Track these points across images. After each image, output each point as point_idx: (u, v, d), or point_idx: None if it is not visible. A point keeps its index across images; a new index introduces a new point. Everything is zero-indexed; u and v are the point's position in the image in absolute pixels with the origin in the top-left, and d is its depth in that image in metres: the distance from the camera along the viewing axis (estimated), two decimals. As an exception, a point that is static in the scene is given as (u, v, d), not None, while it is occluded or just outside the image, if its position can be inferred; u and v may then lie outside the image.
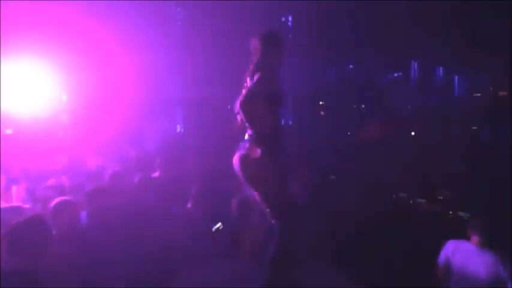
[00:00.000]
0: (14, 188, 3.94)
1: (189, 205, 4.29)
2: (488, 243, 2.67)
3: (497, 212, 3.85)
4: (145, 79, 8.94)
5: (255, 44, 2.69)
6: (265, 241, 2.99)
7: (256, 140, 2.48)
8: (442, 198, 5.82)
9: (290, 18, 13.75)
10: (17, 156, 5.53)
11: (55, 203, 2.79)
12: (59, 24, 8.28)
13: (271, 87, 2.53)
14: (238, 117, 2.64)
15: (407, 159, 7.66)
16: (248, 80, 2.68)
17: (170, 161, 5.31)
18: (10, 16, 6.92)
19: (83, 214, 3.29)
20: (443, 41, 8.69)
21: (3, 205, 3.12)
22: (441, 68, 11.36)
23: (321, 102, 12.30)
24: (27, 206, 3.11)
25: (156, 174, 4.92)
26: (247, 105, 2.42)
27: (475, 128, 9.76)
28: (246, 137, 2.60)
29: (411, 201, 5.86)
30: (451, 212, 5.21)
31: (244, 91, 2.61)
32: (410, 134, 10.41)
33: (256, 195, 2.62)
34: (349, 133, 10.64)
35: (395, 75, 12.29)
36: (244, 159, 2.51)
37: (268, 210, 2.59)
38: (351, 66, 12.51)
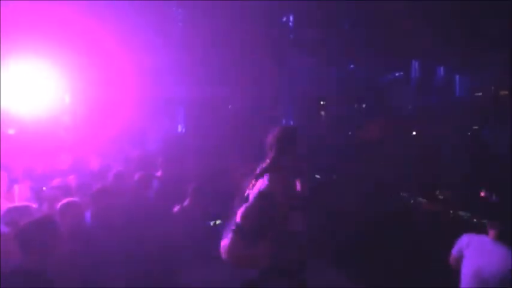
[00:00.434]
0: (17, 188, 3.97)
1: (186, 202, 4.32)
2: (504, 236, 2.65)
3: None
4: (147, 79, 8.97)
5: (271, 141, 2.55)
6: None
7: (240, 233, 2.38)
8: (442, 198, 5.85)
9: (291, 18, 13.77)
10: (20, 156, 5.56)
11: (61, 204, 2.84)
12: (61, 24, 8.31)
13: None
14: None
15: (408, 159, 7.68)
16: (257, 177, 2.55)
17: (171, 160, 5.34)
18: (12, 16, 6.94)
19: (87, 214, 3.33)
20: (443, 41, 8.71)
21: (7, 204, 3.16)
22: (441, 68, 11.38)
23: (322, 102, 12.32)
24: (34, 205, 3.14)
25: (159, 173, 4.96)
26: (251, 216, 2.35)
27: (475, 127, 9.78)
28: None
29: (412, 201, 5.89)
30: (451, 212, 5.23)
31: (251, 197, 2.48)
32: (411, 133, 10.43)
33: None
34: (350, 133, 10.66)
35: (396, 74, 12.30)
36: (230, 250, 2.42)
37: None
38: (351, 66, 12.52)
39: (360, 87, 11.70)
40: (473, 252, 2.74)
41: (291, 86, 11.87)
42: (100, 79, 9.02)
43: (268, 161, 2.51)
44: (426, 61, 11.55)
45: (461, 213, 5.15)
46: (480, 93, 10.21)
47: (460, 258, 2.81)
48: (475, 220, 4.80)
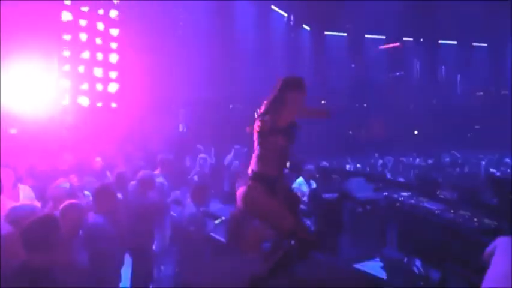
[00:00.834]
0: (21, 187, 3.99)
1: (156, 171, 4.82)
2: None
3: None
4: (149, 79, 8.99)
5: (277, 84, 2.65)
6: (266, 241, 3.04)
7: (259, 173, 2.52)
8: (443, 197, 5.85)
9: (292, 18, 13.80)
10: (22, 156, 5.57)
11: (62, 206, 2.86)
12: (61, 24, 8.33)
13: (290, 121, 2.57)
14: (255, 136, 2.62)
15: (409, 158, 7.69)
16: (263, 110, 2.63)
17: (169, 158, 5.38)
18: (12, 16, 6.96)
19: (90, 213, 3.34)
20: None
21: (11, 203, 3.18)
22: (443, 67, 11.38)
23: (322, 102, 12.33)
24: (38, 204, 3.16)
25: (157, 171, 4.98)
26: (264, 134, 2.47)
27: (476, 127, 9.80)
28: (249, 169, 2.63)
29: (413, 200, 5.89)
30: (452, 211, 5.23)
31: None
32: (413, 132, 10.43)
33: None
34: (350, 132, 10.67)
35: (397, 74, 12.32)
36: (244, 195, 2.52)
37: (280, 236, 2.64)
38: (352, 65, 12.55)
39: (362, 86, 11.67)
40: (504, 252, 2.73)
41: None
42: (100, 79, 9.05)
43: (272, 97, 2.59)
44: (427, 61, 11.53)
45: (462, 212, 5.15)
46: (481, 93, 10.23)
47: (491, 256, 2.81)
48: (475, 219, 4.80)
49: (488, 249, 2.79)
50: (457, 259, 4.24)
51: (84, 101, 8.72)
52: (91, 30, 8.86)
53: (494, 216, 4.74)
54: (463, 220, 4.82)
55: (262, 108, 2.57)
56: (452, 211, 5.20)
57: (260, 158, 2.53)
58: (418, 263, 4.40)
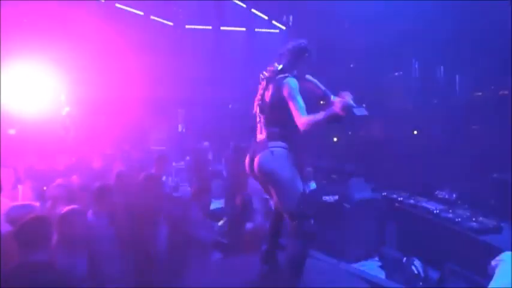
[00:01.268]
0: (20, 187, 4.00)
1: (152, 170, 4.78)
2: None
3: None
4: (149, 79, 8.99)
5: (283, 51, 2.75)
6: (265, 240, 3.05)
7: (275, 137, 2.59)
8: (442, 197, 5.87)
9: (291, 18, 13.78)
10: (21, 156, 5.58)
11: (63, 212, 2.87)
12: (61, 24, 8.32)
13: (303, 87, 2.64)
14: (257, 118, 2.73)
15: (408, 158, 7.69)
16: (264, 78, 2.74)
17: (165, 155, 5.39)
18: (12, 16, 6.96)
19: (89, 213, 3.35)
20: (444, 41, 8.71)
21: (11, 203, 3.19)
22: (442, 67, 11.38)
23: (321, 102, 12.33)
24: (37, 204, 3.16)
25: (153, 170, 4.98)
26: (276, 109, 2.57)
27: (475, 127, 9.77)
28: (260, 136, 2.68)
29: (411, 200, 5.90)
30: (450, 211, 5.24)
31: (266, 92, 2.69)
32: (412, 133, 10.41)
33: (273, 196, 2.65)
34: (350, 133, 10.66)
35: (396, 74, 12.31)
36: (265, 159, 2.56)
37: (285, 212, 2.62)
38: (351, 65, 12.52)
39: (360, 86, 11.68)
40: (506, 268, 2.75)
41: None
42: (100, 79, 9.04)
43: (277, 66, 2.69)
44: (426, 61, 11.53)
45: (460, 211, 5.16)
46: (480, 93, 10.21)
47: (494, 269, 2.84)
48: (474, 219, 4.82)
49: (493, 263, 2.76)
50: (455, 258, 4.25)
51: (82, 101, 8.70)
52: (91, 30, 8.84)
53: (493, 216, 4.75)
54: (461, 220, 4.85)
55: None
56: (450, 211, 5.22)
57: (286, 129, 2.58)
58: (416, 262, 4.42)
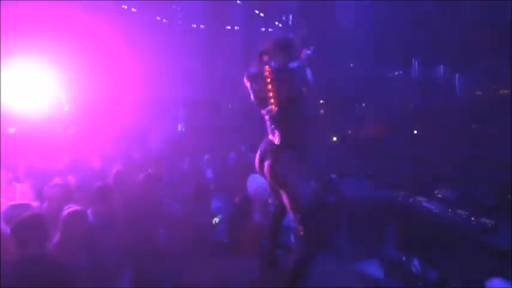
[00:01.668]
0: (18, 186, 3.99)
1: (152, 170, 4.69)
2: None
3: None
4: (148, 79, 8.99)
5: (268, 48, 2.73)
6: (265, 240, 3.05)
7: (287, 139, 2.59)
8: (441, 197, 5.86)
9: (290, 18, 13.79)
10: (21, 155, 5.57)
11: (66, 213, 2.87)
12: (61, 24, 8.32)
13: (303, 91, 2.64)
14: (266, 118, 2.71)
15: (408, 158, 7.70)
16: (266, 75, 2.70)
17: (163, 157, 5.39)
18: (12, 16, 6.96)
19: (88, 212, 3.34)
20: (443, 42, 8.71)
21: (8, 203, 3.18)
22: (441, 67, 11.37)
23: (321, 101, 12.32)
24: (35, 203, 3.16)
25: (152, 170, 4.98)
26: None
27: (475, 127, 9.79)
28: (272, 137, 2.68)
29: (411, 200, 5.90)
30: (450, 211, 5.24)
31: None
32: (412, 133, 10.43)
33: (284, 199, 2.66)
34: (349, 131, 10.67)
35: (396, 74, 12.30)
36: (277, 165, 2.57)
37: (295, 215, 2.62)
38: (351, 65, 12.52)
39: (360, 86, 11.69)
40: None
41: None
42: (100, 79, 9.04)
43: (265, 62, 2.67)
44: (426, 61, 11.54)
45: (460, 212, 5.16)
46: (480, 93, 10.22)
47: None
48: (472, 219, 4.82)
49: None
50: (455, 258, 4.25)
51: (82, 100, 8.70)
52: (91, 29, 8.84)
53: (492, 216, 4.75)
54: (461, 219, 4.85)
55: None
56: (450, 210, 5.22)
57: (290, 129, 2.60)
58: (416, 262, 4.41)
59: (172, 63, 9.91)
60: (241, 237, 3.81)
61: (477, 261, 3.85)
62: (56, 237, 2.84)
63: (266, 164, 2.62)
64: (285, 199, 2.62)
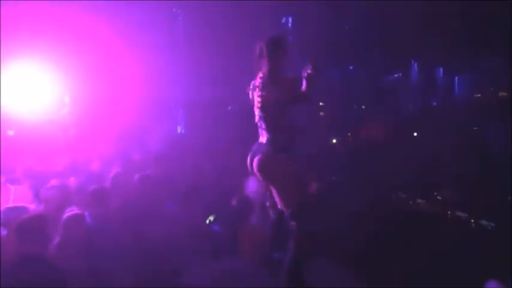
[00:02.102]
0: (12, 188, 3.99)
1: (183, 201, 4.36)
2: None
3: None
4: (148, 80, 8.99)
5: (261, 48, 2.77)
6: (265, 241, 3.04)
7: (275, 142, 2.64)
8: (441, 198, 5.86)
9: (290, 20, 13.77)
10: (20, 157, 5.57)
11: (66, 216, 2.88)
12: (61, 24, 8.33)
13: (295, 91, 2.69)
14: (256, 118, 2.77)
15: (409, 159, 7.69)
16: (258, 85, 2.77)
17: (162, 158, 5.38)
18: (12, 17, 6.96)
19: (86, 215, 3.34)
20: (443, 42, 8.69)
21: (5, 205, 3.18)
22: (441, 68, 11.35)
23: (321, 104, 12.30)
24: (32, 205, 3.16)
25: (151, 171, 4.97)
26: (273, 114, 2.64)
27: (475, 128, 9.77)
28: (262, 139, 2.73)
29: (411, 202, 5.90)
30: (449, 212, 5.23)
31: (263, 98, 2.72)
32: (412, 134, 10.41)
33: (275, 195, 2.68)
34: (349, 134, 10.66)
35: (396, 75, 12.28)
36: (264, 159, 2.62)
37: (286, 210, 2.64)
38: (351, 67, 12.50)
39: (361, 88, 11.69)
40: None
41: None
42: (100, 79, 9.04)
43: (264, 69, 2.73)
44: (426, 62, 11.52)
45: (459, 213, 5.15)
46: (479, 94, 10.20)
47: None
48: (472, 221, 4.81)
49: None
50: (455, 258, 4.23)
51: (81, 102, 8.71)
52: (91, 30, 8.84)
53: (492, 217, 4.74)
54: (461, 220, 4.84)
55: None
56: (449, 211, 5.21)
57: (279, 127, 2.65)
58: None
59: (172, 63, 9.91)
60: (239, 239, 3.81)
61: (477, 262, 3.84)
62: (56, 240, 2.84)
63: (255, 159, 2.66)
64: (275, 195, 2.65)
